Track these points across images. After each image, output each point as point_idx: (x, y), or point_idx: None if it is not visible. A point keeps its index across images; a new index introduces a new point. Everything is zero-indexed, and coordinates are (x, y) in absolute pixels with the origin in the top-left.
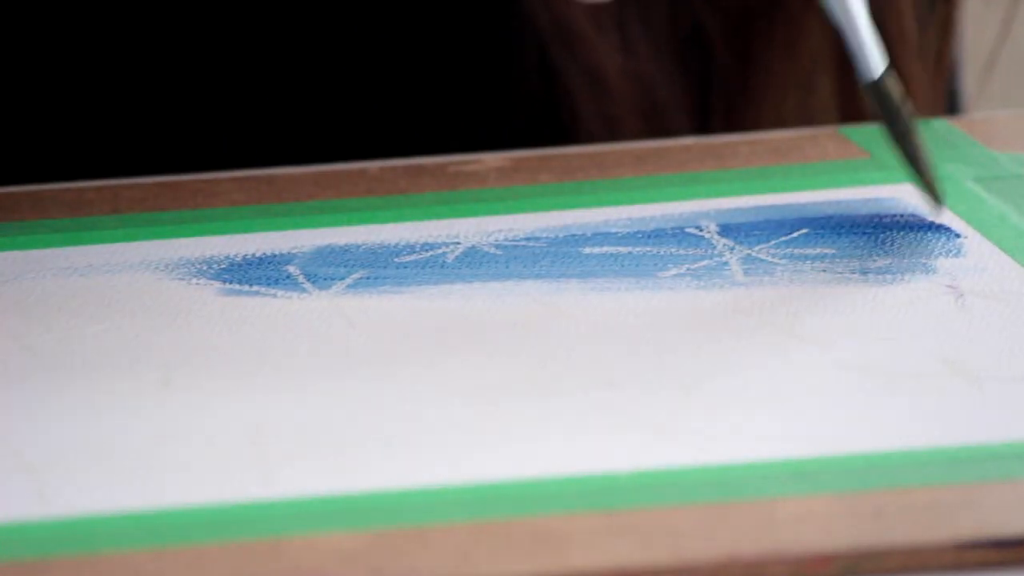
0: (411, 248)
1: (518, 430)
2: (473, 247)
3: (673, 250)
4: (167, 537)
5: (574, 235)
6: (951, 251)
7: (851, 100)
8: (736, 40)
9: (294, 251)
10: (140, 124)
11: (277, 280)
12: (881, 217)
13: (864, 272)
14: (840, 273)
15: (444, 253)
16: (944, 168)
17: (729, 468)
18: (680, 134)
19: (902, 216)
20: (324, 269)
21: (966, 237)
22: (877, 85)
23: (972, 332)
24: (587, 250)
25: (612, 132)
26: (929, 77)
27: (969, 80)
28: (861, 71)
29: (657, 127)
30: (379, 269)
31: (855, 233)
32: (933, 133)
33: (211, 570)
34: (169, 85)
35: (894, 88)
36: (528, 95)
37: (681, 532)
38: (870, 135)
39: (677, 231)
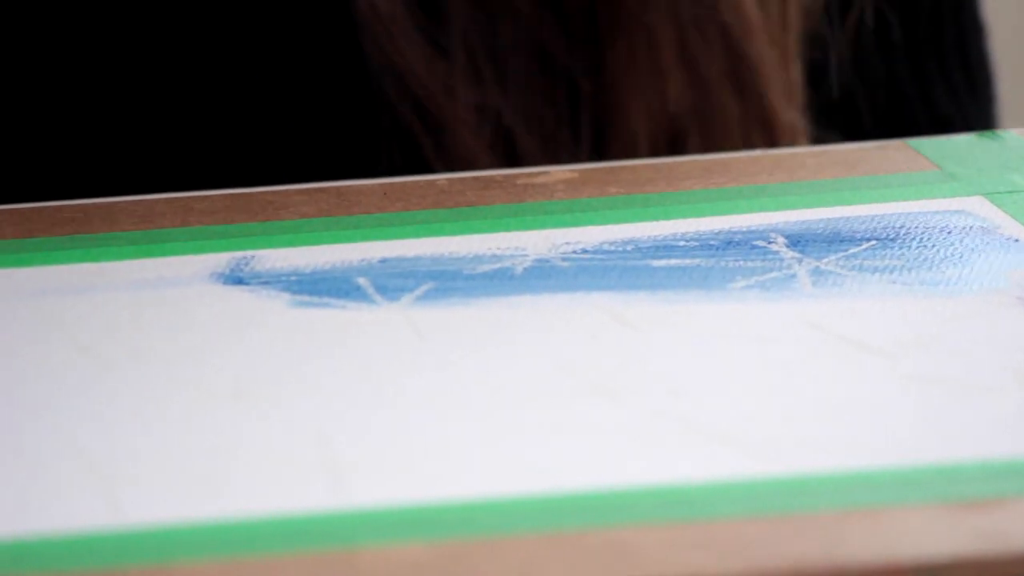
0: (479, 260)
1: (588, 440)
2: (541, 259)
3: (741, 262)
4: (238, 547)
5: (641, 248)
6: (1021, 263)
7: (706, 108)
8: (590, 64)
9: (363, 263)
10: (212, 136)
11: (347, 292)
12: (950, 229)
13: (933, 284)
14: (909, 285)
15: (512, 266)
16: (1014, 179)
17: (799, 479)
18: (535, 163)
19: (971, 228)
20: (393, 281)
21: None
22: None
23: None
24: (655, 263)
25: (454, 165)
26: (780, 60)
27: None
28: None
29: (510, 157)
30: (447, 281)
31: (924, 245)
32: (1003, 145)
33: None
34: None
35: None
36: (367, 132)
37: (749, 543)
38: (940, 147)
39: (745, 243)
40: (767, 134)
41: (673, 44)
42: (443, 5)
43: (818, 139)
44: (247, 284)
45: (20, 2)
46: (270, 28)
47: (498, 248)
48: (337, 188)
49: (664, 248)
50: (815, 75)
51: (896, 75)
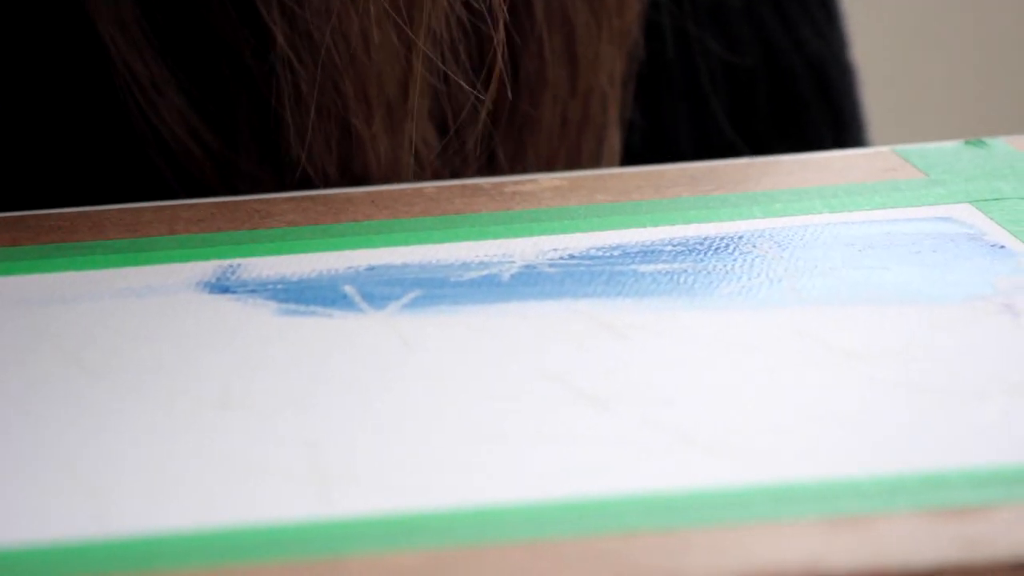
0: (466, 267)
1: (575, 449)
2: (528, 265)
3: (728, 267)
4: (225, 556)
5: (628, 253)
6: (1008, 270)
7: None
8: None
9: (350, 271)
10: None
11: (333, 300)
12: (936, 236)
13: (919, 291)
14: (895, 292)
15: (499, 272)
16: (1000, 186)
17: (784, 487)
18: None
19: (958, 235)
20: (380, 289)
21: (1022, 256)
22: None
23: None
24: (641, 268)
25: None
26: (392, 136)
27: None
28: None
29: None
30: (435, 288)
31: (910, 252)
32: (991, 151)
33: None
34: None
35: None
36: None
37: (734, 551)
38: (926, 155)
39: (732, 248)
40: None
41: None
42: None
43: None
44: (234, 292)
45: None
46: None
47: (485, 255)
48: (324, 196)
49: (650, 254)
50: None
51: (765, 25)
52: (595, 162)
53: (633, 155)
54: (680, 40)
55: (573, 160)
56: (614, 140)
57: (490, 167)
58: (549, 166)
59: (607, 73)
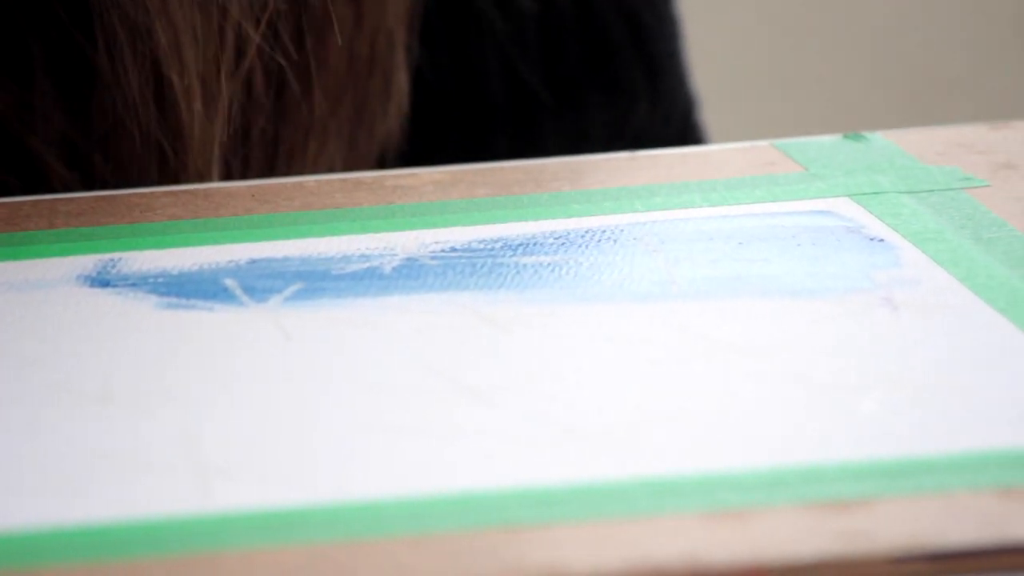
0: (348, 260)
1: (457, 442)
2: (410, 258)
3: (609, 260)
4: (103, 551)
5: (510, 245)
6: (887, 264)
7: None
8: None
9: (231, 264)
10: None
11: (214, 293)
12: (816, 230)
13: (799, 284)
14: (775, 285)
15: (381, 265)
16: (879, 181)
17: (666, 481)
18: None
19: (837, 229)
20: (261, 282)
21: (902, 250)
22: None
23: (908, 345)
24: (523, 260)
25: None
26: (206, 94)
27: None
28: None
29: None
30: (316, 281)
31: (790, 246)
32: (868, 147)
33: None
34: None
35: None
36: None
37: (617, 544)
38: (805, 148)
39: (613, 241)
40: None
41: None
42: None
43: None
44: (114, 286)
45: None
46: None
47: (367, 248)
48: (204, 190)
49: (532, 246)
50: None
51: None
52: (383, 101)
53: (434, 96)
54: None
55: (361, 99)
56: (402, 80)
57: (277, 108)
58: (337, 103)
59: (393, 11)
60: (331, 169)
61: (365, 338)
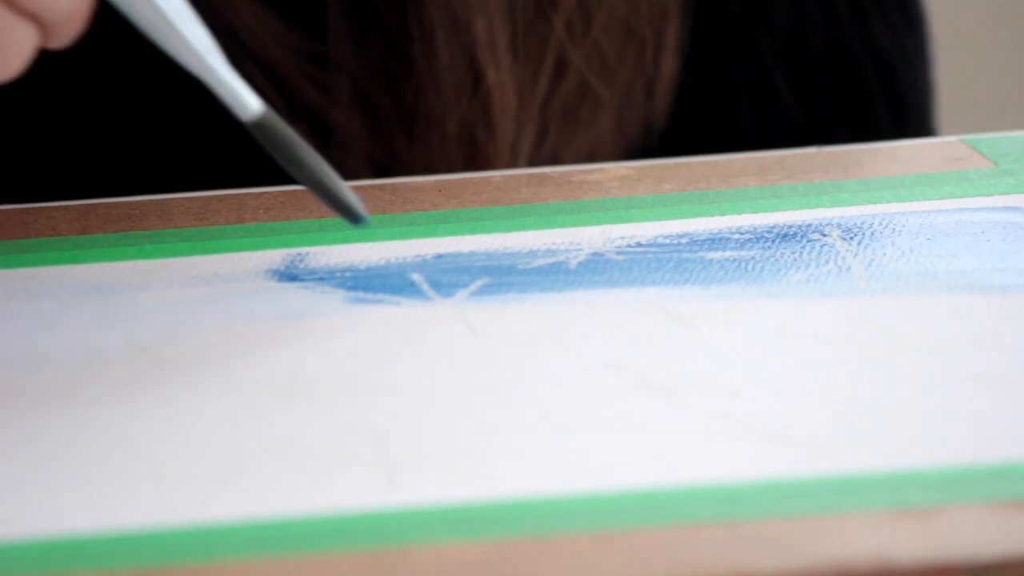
0: (534, 255)
1: (641, 439)
2: (596, 253)
3: (796, 255)
4: (292, 544)
5: (696, 240)
6: None
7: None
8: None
9: (418, 259)
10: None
11: (401, 288)
12: (1006, 225)
13: (989, 280)
14: (963, 281)
15: (567, 260)
16: None
17: (851, 478)
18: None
19: None
20: (447, 276)
21: None
22: (260, 124)
23: None
24: (709, 255)
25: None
26: (523, 91)
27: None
28: (240, 115)
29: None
30: (502, 276)
31: (979, 241)
32: None
33: None
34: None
35: (278, 123)
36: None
37: (800, 543)
38: (995, 144)
39: (800, 237)
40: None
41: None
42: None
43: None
44: (302, 280)
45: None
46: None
47: (552, 243)
48: (392, 185)
49: (718, 241)
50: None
51: (835, 12)
52: (652, 80)
53: (689, 119)
54: (746, 9)
55: (632, 73)
56: (671, 63)
57: (556, 90)
58: (612, 76)
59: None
60: (594, 151)
61: (550, 333)
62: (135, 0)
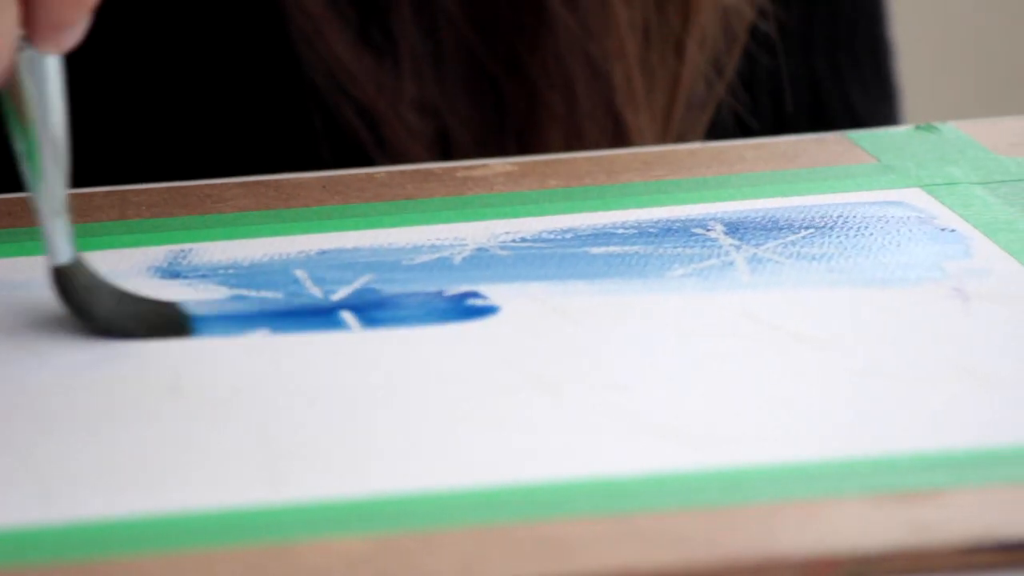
0: (418, 250)
1: (524, 433)
2: (480, 248)
3: (680, 250)
4: (175, 542)
5: (580, 236)
6: (958, 254)
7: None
8: (515, 73)
9: (301, 255)
10: (149, 130)
11: (284, 284)
12: (887, 220)
13: (871, 274)
14: (846, 275)
15: (451, 255)
16: (951, 172)
17: (735, 472)
18: (469, 158)
19: (908, 219)
20: (331, 273)
21: (973, 240)
22: (60, 271)
23: (978, 335)
24: (593, 250)
25: (397, 160)
26: (657, 129)
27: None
28: (49, 260)
29: (445, 154)
30: (386, 272)
31: (862, 235)
32: (940, 138)
33: (220, 574)
34: (177, 91)
35: (82, 272)
36: (302, 127)
37: (686, 536)
38: (877, 139)
39: (683, 231)
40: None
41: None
42: (380, 5)
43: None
44: (185, 277)
45: None
46: (201, 25)
47: (437, 239)
48: (276, 181)
49: (603, 236)
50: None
51: (817, 75)
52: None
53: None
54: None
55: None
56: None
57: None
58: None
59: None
60: (646, 140)
61: (434, 329)
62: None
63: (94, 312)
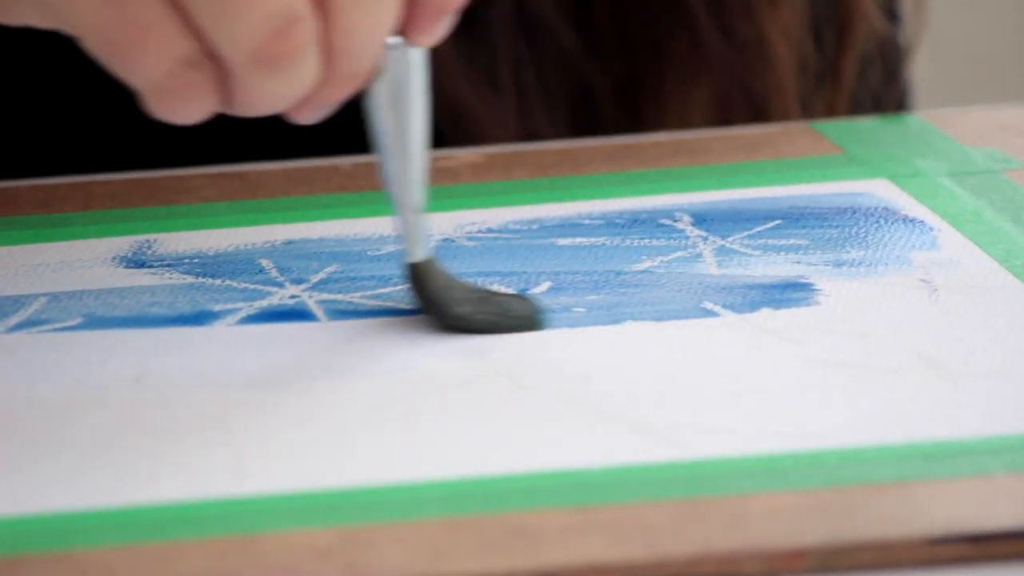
0: (384, 241)
1: (491, 425)
2: (446, 239)
3: (647, 241)
4: (140, 534)
5: (546, 227)
6: (925, 245)
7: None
8: (625, 98)
9: (267, 245)
10: (113, 120)
11: (251, 274)
12: (854, 210)
13: (838, 264)
14: (813, 265)
15: None
16: (918, 163)
17: (702, 464)
18: None
19: (875, 210)
20: (297, 263)
21: (940, 231)
22: (417, 268)
23: (945, 326)
24: (560, 241)
25: None
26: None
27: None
28: (406, 256)
29: None
30: (352, 263)
31: (828, 226)
32: (907, 129)
33: (185, 566)
34: None
35: (437, 269)
36: None
37: (654, 528)
38: (843, 130)
39: (650, 222)
40: None
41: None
42: (487, 34)
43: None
44: (150, 267)
45: None
46: None
47: None
48: (240, 172)
49: (569, 227)
50: None
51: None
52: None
53: None
54: None
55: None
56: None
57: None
58: None
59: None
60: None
61: (399, 320)
62: (386, 119)
63: (450, 308)
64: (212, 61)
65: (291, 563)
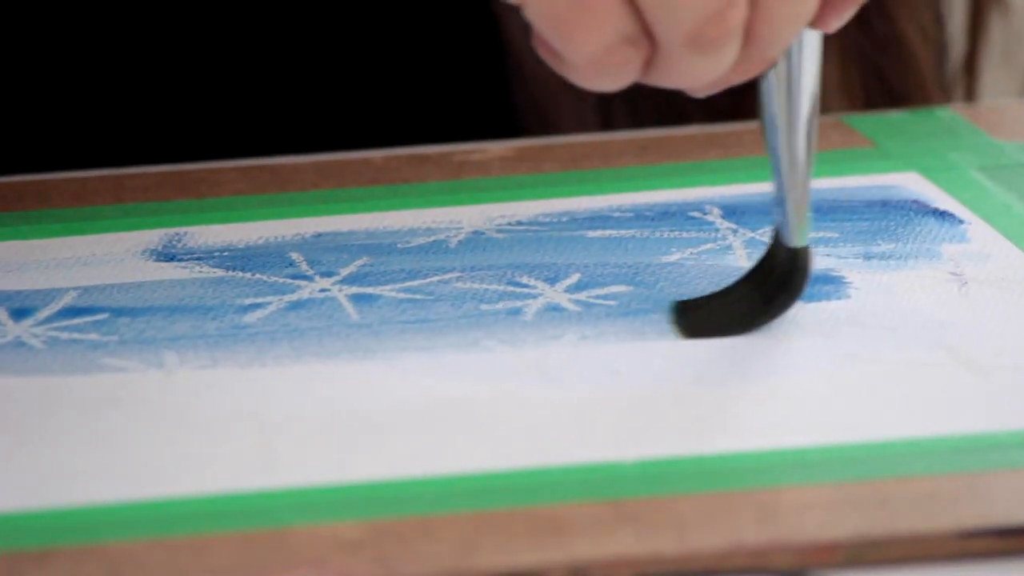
0: (413, 233)
1: (523, 418)
2: (476, 232)
3: (677, 233)
4: (171, 527)
5: (577, 219)
6: (955, 238)
7: None
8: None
9: (297, 238)
10: (144, 113)
11: (280, 267)
12: (885, 203)
13: (868, 258)
14: (844, 258)
15: (447, 239)
16: (949, 157)
17: (732, 457)
18: None
19: (906, 203)
20: (327, 256)
21: (970, 224)
22: (797, 253)
23: (976, 320)
24: (590, 234)
25: None
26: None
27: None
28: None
29: None
30: (382, 256)
31: (859, 219)
32: (938, 123)
33: (215, 559)
34: (173, 75)
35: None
36: None
37: (684, 521)
38: (874, 124)
39: (680, 215)
40: None
41: None
42: None
43: None
44: (180, 260)
45: None
46: (420, 42)
47: (433, 222)
48: (271, 165)
49: (599, 219)
50: None
51: None
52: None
53: None
54: None
55: None
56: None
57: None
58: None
59: None
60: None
61: (431, 312)
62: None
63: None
64: (648, 39)
65: (320, 556)
